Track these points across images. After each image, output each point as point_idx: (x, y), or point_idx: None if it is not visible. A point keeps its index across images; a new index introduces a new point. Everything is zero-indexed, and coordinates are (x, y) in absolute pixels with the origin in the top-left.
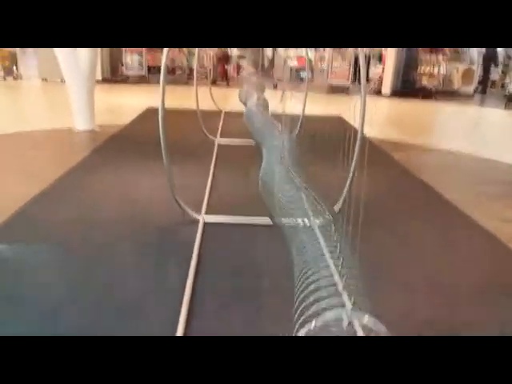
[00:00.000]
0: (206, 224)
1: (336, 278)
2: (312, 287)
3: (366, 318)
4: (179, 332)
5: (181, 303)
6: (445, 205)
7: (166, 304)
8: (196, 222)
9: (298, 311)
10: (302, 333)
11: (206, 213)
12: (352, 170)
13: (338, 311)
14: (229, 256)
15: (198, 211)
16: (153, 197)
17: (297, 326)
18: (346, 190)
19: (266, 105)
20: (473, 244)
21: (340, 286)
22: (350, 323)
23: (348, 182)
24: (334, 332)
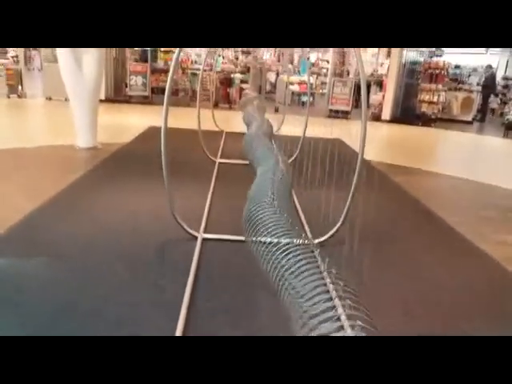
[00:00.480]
0: (204, 241)
1: (332, 294)
2: (309, 302)
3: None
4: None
5: (177, 318)
6: (440, 226)
7: (162, 318)
8: (194, 239)
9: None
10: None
11: (205, 231)
12: (351, 192)
13: (335, 324)
14: (226, 272)
15: (197, 229)
16: (152, 214)
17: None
18: (344, 212)
19: (269, 127)
20: (470, 265)
21: (337, 302)
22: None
23: (347, 204)
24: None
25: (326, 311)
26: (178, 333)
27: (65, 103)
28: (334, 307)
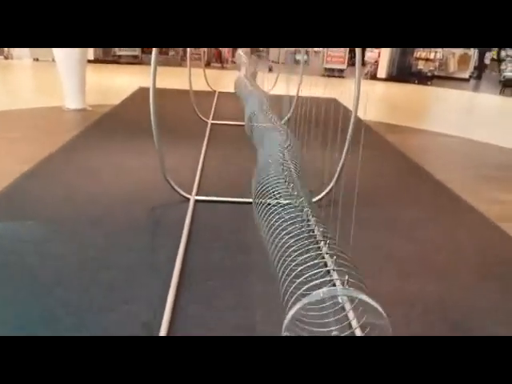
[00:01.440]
0: (196, 203)
1: (325, 256)
2: (300, 266)
3: (358, 295)
4: (168, 306)
5: (170, 278)
6: (434, 184)
7: (155, 278)
8: (186, 201)
9: (288, 290)
10: (293, 311)
11: (197, 193)
12: (344, 152)
13: (329, 289)
14: (218, 233)
15: (189, 191)
16: (144, 176)
17: (289, 305)
18: (337, 173)
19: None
20: (463, 223)
21: (330, 264)
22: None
23: (340, 164)
24: (325, 309)
25: (315, 265)
26: (171, 292)
27: (52, 64)
28: (324, 263)
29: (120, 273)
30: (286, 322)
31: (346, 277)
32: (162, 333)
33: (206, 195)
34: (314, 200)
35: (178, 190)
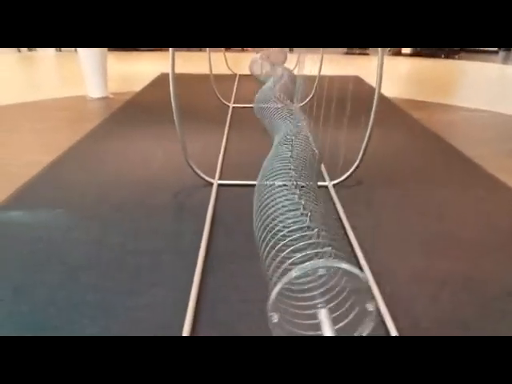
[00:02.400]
0: (219, 187)
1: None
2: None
3: (339, 264)
4: (194, 287)
5: (195, 264)
6: (464, 162)
7: (180, 263)
8: (210, 185)
9: (275, 262)
10: (282, 282)
11: (220, 177)
12: (368, 132)
13: (311, 263)
14: (241, 216)
15: (213, 175)
16: (167, 161)
17: (275, 277)
18: (360, 153)
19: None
20: (493, 200)
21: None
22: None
23: (363, 144)
24: (314, 280)
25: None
26: (197, 276)
27: (75, 54)
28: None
29: (146, 257)
30: (270, 301)
31: (327, 249)
32: (189, 312)
33: (229, 179)
34: (338, 180)
35: (201, 174)
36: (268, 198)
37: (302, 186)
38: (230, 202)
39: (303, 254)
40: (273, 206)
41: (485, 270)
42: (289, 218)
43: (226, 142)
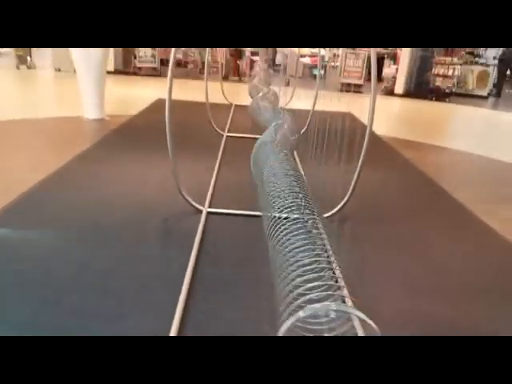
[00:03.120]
0: (209, 215)
1: (326, 271)
2: (301, 278)
3: (356, 313)
4: (176, 318)
5: (180, 289)
6: (451, 204)
7: (165, 289)
8: (199, 213)
9: (286, 301)
10: (288, 322)
11: (210, 205)
12: (358, 167)
13: (327, 304)
14: (230, 245)
15: (202, 203)
16: (158, 187)
17: (284, 315)
18: (350, 188)
19: (274, 97)
20: (482, 245)
21: (330, 280)
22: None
23: (354, 179)
24: (321, 323)
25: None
26: (180, 303)
27: (73, 75)
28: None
29: (132, 283)
30: (280, 333)
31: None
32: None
33: (219, 207)
34: (327, 215)
35: (191, 201)
36: (284, 231)
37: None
38: (218, 230)
39: (316, 294)
40: (290, 243)
41: (469, 314)
42: (307, 257)
43: (218, 170)
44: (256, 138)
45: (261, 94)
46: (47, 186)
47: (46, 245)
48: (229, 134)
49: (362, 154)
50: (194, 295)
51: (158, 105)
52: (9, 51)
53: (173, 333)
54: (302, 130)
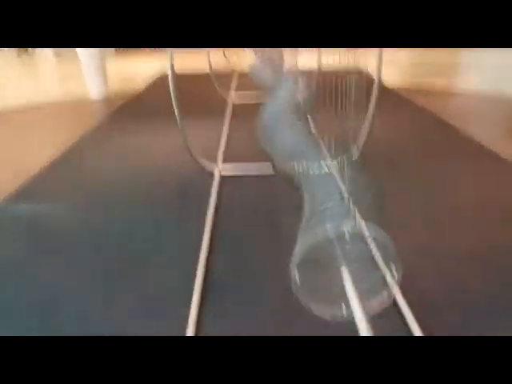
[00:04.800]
0: (222, 176)
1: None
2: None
3: (369, 226)
4: (199, 277)
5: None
6: (467, 141)
7: (185, 248)
8: (212, 174)
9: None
10: (307, 241)
11: (223, 168)
12: (371, 112)
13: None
14: (244, 204)
15: (214, 164)
16: (169, 154)
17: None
18: (364, 133)
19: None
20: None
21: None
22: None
23: (366, 124)
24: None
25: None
26: (202, 259)
27: (75, 56)
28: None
29: (150, 244)
30: (294, 258)
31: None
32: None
33: (231, 169)
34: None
35: (204, 164)
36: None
37: None
38: (232, 191)
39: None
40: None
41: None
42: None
43: (228, 133)
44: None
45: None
46: (61, 162)
47: (64, 214)
48: (235, 99)
49: (372, 102)
50: (214, 251)
51: (162, 79)
52: None
53: (197, 283)
54: (309, 93)
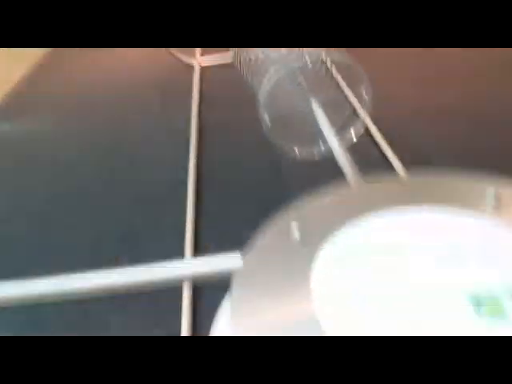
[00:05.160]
0: (202, 67)
1: None
2: None
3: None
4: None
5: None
6: None
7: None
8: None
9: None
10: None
11: (202, 55)
12: None
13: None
14: (227, 94)
15: (192, 55)
16: (144, 55)
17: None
18: None
19: None
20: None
21: None
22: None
23: None
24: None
25: None
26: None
27: None
28: None
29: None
30: (261, 98)
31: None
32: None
33: (212, 60)
34: None
35: (181, 56)
36: None
37: None
38: (214, 82)
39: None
40: None
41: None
42: None
43: None
44: None
45: None
46: (35, 75)
47: (45, 128)
48: None
49: None
50: (202, 143)
51: None
52: None
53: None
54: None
